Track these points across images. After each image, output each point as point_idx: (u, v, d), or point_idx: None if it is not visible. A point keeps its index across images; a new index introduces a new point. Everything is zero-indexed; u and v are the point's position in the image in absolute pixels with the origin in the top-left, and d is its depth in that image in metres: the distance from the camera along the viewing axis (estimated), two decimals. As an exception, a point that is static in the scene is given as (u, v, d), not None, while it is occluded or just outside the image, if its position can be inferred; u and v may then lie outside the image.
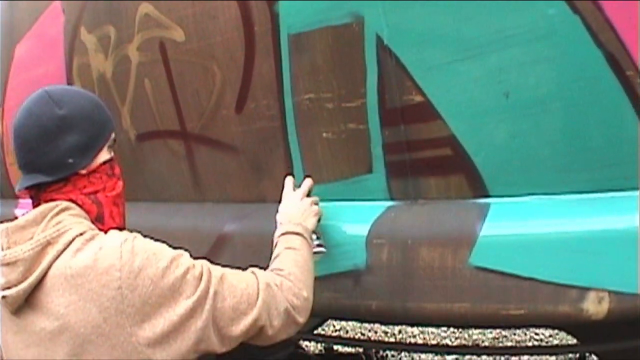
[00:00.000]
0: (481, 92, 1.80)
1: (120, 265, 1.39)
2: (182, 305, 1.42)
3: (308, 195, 2.01)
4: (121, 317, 1.37)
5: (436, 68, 1.84)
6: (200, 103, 2.36)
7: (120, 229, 1.57)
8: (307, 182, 2.03)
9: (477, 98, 1.81)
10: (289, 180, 2.05)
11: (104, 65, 2.76)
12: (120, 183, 1.63)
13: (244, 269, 1.66)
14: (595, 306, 1.69)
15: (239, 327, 1.52)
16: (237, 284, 1.55)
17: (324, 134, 2.08)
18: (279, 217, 1.95)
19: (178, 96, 2.44)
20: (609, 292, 1.68)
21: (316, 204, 1.99)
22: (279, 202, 1.96)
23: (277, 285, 1.63)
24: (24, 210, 3.74)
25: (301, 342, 3.89)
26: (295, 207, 1.95)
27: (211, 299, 1.47)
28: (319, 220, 1.98)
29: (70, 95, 1.55)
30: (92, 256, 1.40)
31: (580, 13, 1.64)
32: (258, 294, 1.57)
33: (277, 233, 1.87)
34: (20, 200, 3.89)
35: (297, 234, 1.84)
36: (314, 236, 1.94)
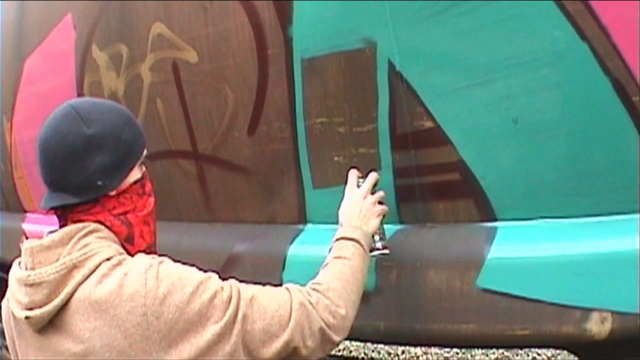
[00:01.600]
0: (490, 118, 1.81)
1: (145, 292, 1.35)
2: (210, 331, 1.37)
3: (373, 192, 1.91)
4: (147, 343, 1.34)
5: (446, 94, 1.86)
6: (212, 124, 2.38)
7: (150, 248, 1.54)
8: (372, 178, 1.93)
9: (486, 123, 1.83)
10: (352, 175, 1.95)
11: (115, 83, 2.77)
12: (152, 200, 1.56)
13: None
14: (598, 326, 1.71)
15: (270, 350, 1.46)
16: (268, 305, 1.48)
17: (335, 158, 2.10)
18: (340, 216, 1.87)
19: (190, 117, 2.45)
20: (612, 312, 1.69)
21: (381, 202, 1.90)
22: (293, 223, 1.98)
23: (312, 304, 1.54)
24: (32, 225, 3.76)
25: None
26: (357, 206, 1.86)
27: (240, 322, 1.42)
28: (382, 219, 1.89)
29: (98, 112, 1.47)
30: (117, 282, 1.36)
31: (588, 40, 1.65)
32: (290, 314, 1.49)
33: (335, 236, 1.80)
34: (28, 215, 3.91)
35: (352, 239, 1.76)
36: (377, 237, 1.88)
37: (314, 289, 1.60)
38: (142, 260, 1.43)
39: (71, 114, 1.44)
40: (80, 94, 3.04)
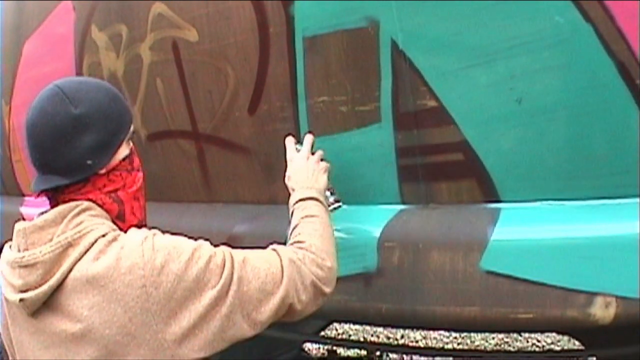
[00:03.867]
0: (493, 98, 1.81)
1: (143, 263, 1.36)
2: (208, 295, 1.40)
3: (312, 153, 1.96)
4: (147, 316, 1.34)
5: (450, 73, 1.85)
6: (212, 104, 2.37)
7: (141, 223, 1.54)
8: (309, 139, 1.98)
9: (489, 104, 1.82)
10: (289, 141, 2.01)
11: (115, 64, 2.76)
12: (140, 175, 1.57)
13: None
14: (602, 311, 1.71)
15: (268, 308, 1.49)
16: (260, 265, 1.51)
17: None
18: (288, 182, 1.92)
19: (190, 96, 2.44)
20: (616, 297, 1.69)
21: (322, 159, 1.95)
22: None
23: (300, 260, 1.59)
24: (30, 208, 3.75)
25: (304, 344, 3.90)
26: (303, 169, 1.91)
27: (235, 284, 1.44)
28: (329, 176, 1.93)
29: (84, 90, 1.45)
30: (114, 256, 1.37)
31: (592, 22, 1.65)
32: (282, 271, 1.53)
33: (292, 200, 1.84)
34: (26, 198, 3.89)
35: (312, 198, 1.81)
36: (328, 193, 1.93)
37: (298, 247, 1.65)
38: (136, 233, 1.44)
39: (58, 95, 1.43)
40: (79, 75, 3.02)
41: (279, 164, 2.22)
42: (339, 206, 1.97)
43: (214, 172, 2.48)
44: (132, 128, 1.55)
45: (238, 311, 1.44)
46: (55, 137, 1.41)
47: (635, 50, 1.63)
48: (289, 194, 1.90)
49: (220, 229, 2.40)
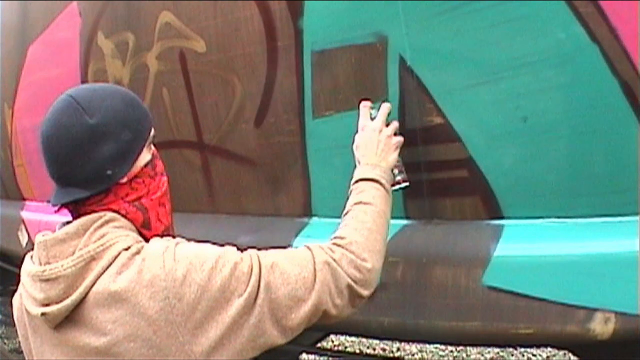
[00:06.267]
0: (499, 116, 1.82)
1: (164, 275, 1.31)
2: (235, 305, 1.33)
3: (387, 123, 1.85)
4: (172, 328, 1.30)
5: (457, 91, 1.86)
6: (218, 115, 2.37)
7: (168, 229, 1.50)
8: (385, 108, 1.87)
9: (495, 121, 1.83)
10: (364, 107, 1.90)
11: (120, 72, 2.76)
12: (164, 179, 1.50)
13: None
14: (601, 326, 1.72)
15: (299, 315, 1.41)
16: (291, 270, 1.42)
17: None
18: (356, 152, 1.82)
19: (196, 107, 2.44)
20: (615, 313, 1.71)
21: (396, 133, 1.84)
22: (298, 216, 1.94)
23: (336, 260, 1.49)
24: (31, 213, 3.75)
25: (301, 355, 3.90)
26: (374, 141, 1.80)
27: (263, 291, 1.37)
28: (400, 152, 1.83)
29: (99, 99, 1.39)
30: (136, 269, 1.32)
31: (598, 42, 1.66)
32: (315, 275, 1.44)
33: (355, 176, 1.75)
34: (27, 203, 3.89)
35: (372, 180, 1.71)
36: (396, 170, 1.83)
37: (335, 244, 1.55)
38: (157, 243, 1.39)
39: (72, 105, 1.38)
40: (84, 81, 3.02)
41: (284, 177, 2.23)
42: (407, 186, 1.86)
43: (219, 183, 2.48)
44: (152, 132, 1.48)
45: (267, 319, 1.37)
46: (72, 149, 1.36)
47: (639, 69, 1.64)
48: (296, 206, 1.88)
49: (224, 241, 2.37)
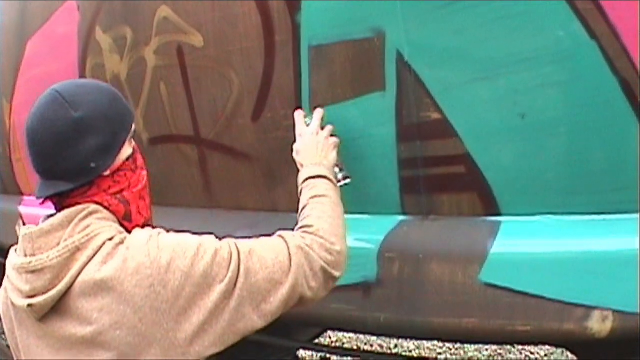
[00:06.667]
0: (497, 112, 1.81)
1: (149, 262, 1.35)
2: (217, 290, 1.39)
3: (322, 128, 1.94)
4: (157, 315, 1.34)
5: (454, 87, 1.85)
6: (215, 110, 2.36)
7: (147, 222, 1.54)
8: (318, 113, 1.96)
9: (493, 118, 1.82)
10: (299, 115, 1.99)
11: (118, 66, 2.76)
12: (144, 173, 1.57)
13: None
14: (599, 325, 1.71)
15: (277, 298, 1.48)
16: (267, 255, 1.50)
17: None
18: (297, 157, 1.91)
19: (194, 102, 2.43)
20: (613, 311, 1.70)
21: (332, 135, 1.93)
22: (296, 211, 1.88)
23: (308, 245, 1.57)
24: (29, 208, 3.74)
25: (299, 351, 3.90)
26: (313, 144, 1.89)
27: (243, 276, 1.43)
28: (338, 152, 1.92)
29: (83, 93, 1.44)
30: (121, 258, 1.37)
31: (597, 39, 1.65)
32: (290, 259, 1.52)
33: (300, 178, 1.83)
34: (25, 198, 3.89)
35: (320, 177, 1.80)
36: (337, 169, 1.91)
37: (305, 232, 1.63)
38: (141, 233, 1.44)
39: (57, 100, 1.42)
40: (82, 76, 3.02)
41: (281, 172, 2.23)
42: (348, 182, 1.94)
43: (216, 178, 2.48)
44: (133, 127, 1.54)
45: (247, 303, 1.43)
46: (57, 142, 1.41)
47: (639, 67, 1.63)
48: (291, 200, 1.89)
49: (221, 235, 2.38)
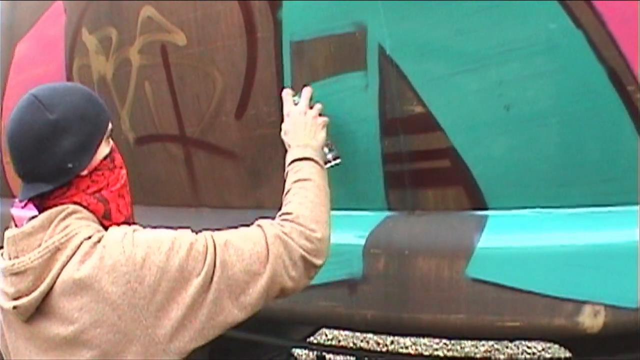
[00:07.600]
0: (481, 105, 1.81)
1: (124, 259, 1.37)
2: (193, 284, 1.39)
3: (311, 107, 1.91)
4: (135, 312, 1.36)
5: (437, 79, 1.85)
6: (200, 108, 2.36)
7: (128, 220, 1.56)
8: (307, 92, 1.93)
9: (477, 110, 1.82)
10: (286, 94, 1.96)
11: (104, 67, 2.75)
12: (124, 172, 1.59)
13: None
14: (590, 320, 1.71)
15: (256, 289, 1.47)
16: (244, 246, 1.49)
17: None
18: (285, 137, 1.88)
19: (178, 100, 2.43)
20: (605, 306, 1.69)
21: (321, 114, 1.90)
22: (279, 208, 1.90)
23: (287, 234, 1.55)
24: (21, 210, 3.73)
25: (294, 350, 3.89)
26: (301, 124, 1.85)
27: (219, 269, 1.43)
28: (328, 131, 1.89)
29: (59, 95, 1.47)
30: (98, 257, 1.38)
31: (583, 28, 1.65)
32: (268, 249, 1.50)
33: (287, 159, 1.80)
34: (17, 200, 3.88)
35: (306, 158, 1.77)
36: (326, 149, 1.88)
37: (284, 219, 1.61)
38: (116, 231, 1.45)
39: (34, 103, 1.45)
40: (69, 78, 3.02)
41: (266, 169, 2.22)
42: (338, 163, 1.91)
43: (201, 176, 2.47)
44: (110, 126, 1.56)
45: (225, 296, 1.43)
46: (34, 145, 1.43)
47: (627, 56, 1.63)
48: (277, 197, 1.88)
49: (207, 234, 2.39)
